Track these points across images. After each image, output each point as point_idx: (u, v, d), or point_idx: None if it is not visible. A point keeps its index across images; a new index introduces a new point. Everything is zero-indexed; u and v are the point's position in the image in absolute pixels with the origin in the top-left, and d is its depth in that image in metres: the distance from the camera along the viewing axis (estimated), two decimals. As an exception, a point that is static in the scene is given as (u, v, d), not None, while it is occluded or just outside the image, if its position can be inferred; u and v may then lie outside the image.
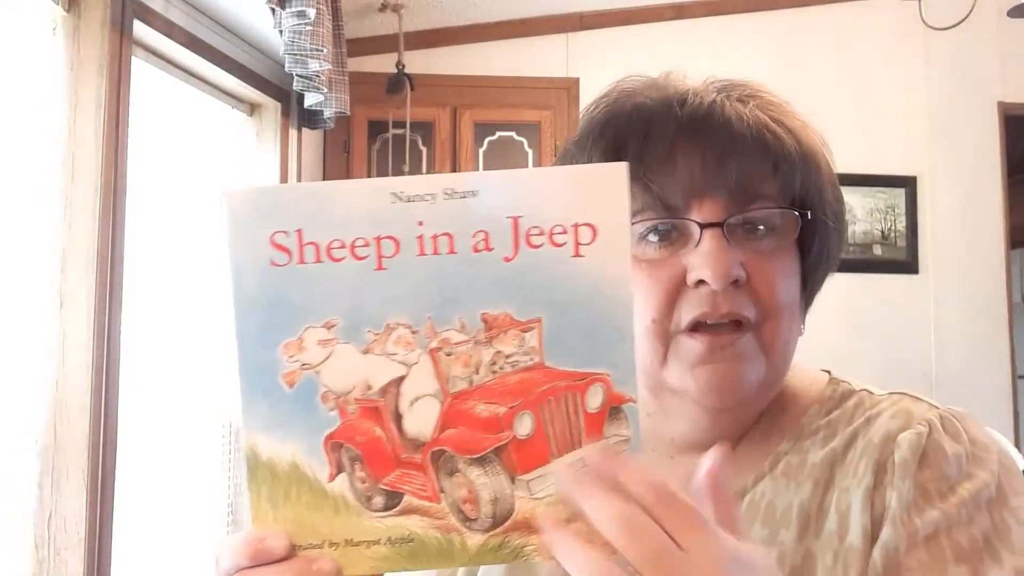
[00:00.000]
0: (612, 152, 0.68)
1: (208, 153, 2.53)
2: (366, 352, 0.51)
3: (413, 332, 0.51)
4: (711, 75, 0.72)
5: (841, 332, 3.22)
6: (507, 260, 0.51)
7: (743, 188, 0.66)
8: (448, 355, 0.51)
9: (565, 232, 0.51)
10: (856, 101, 3.38)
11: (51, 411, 1.79)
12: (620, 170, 0.51)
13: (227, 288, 0.51)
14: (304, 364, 0.51)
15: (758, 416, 0.73)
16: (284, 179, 2.75)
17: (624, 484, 0.48)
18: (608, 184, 0.51)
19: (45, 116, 1.83)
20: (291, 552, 0.52)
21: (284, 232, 0.50)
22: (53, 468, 1.78)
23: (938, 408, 0.68)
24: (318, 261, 0.51)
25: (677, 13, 3.42)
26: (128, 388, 1.97)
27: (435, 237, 0.51)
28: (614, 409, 0.52)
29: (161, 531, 2.24)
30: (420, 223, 0.50)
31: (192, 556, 2.38)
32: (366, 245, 0.51)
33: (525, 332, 0.51)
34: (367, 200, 0.51)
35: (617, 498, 0.47)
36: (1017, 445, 3.26)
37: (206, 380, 2.48)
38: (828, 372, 0.76)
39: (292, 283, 0.51)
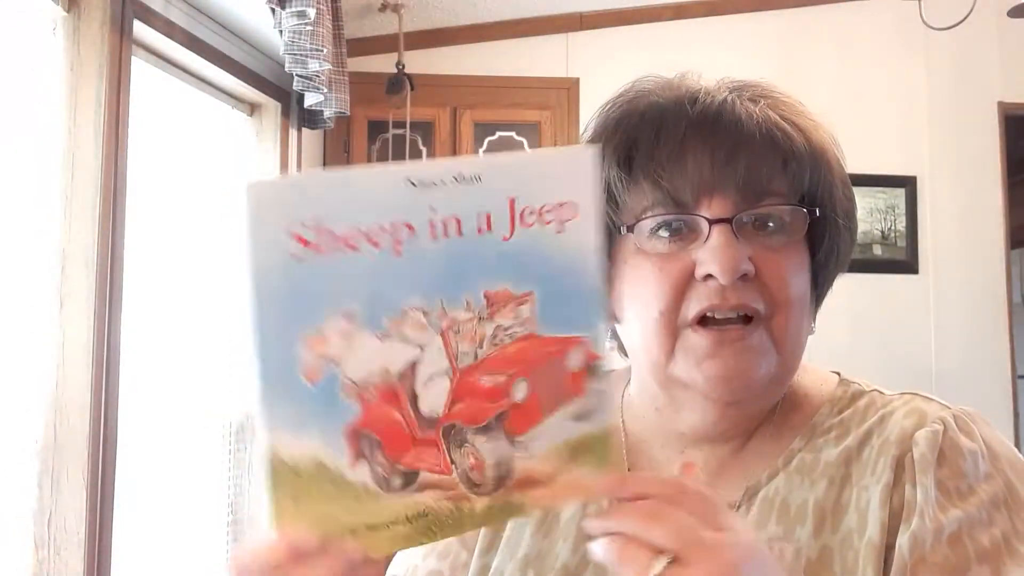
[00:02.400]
0: (624, 150, 0.69)
1: (208, 153, 2.53)
2: (384, 339, 0.52)
3: (426, 315, 0.53)
4: (726, 75, 0.73)
5: (841, 332, 3.22)
6: (505, 239, 0.54)
7: (752, 185, 0.67)
8: (456, 333, 0.54)
9: (551, 210, 0.54)
10: (856, 101, 3.38)
11: (51, 411, 1.79)
12: (589, 151, 0.55)
13: (246, 285, 0.51)
14: (326, 358, 0.52)
15: (769, 412, 0.73)
16: (284, 179, 2.75)
17: (641, 493, 0.52)
18: (582, 164, 0.55)
19: (45, 116, 1.83)
20: (322, 547, 0.52)
21: (302, 223, 0.51)
22: (53, 468, 1.78)
23: (950, 407, 0.69)
24: (336, 251, 0.51)
25: (677, 13, 3.42)
26: (128, 388, 1.97)
27: (445, 221, 0.53)
28: (591, 367, 0.56)
29: (161, 531, 2.24)
30: (432, 208, 0.52)
31: (192, 556, 2.38)
32: (382, 231, 0.52)
33: (520, 305, 0.55)
34: (384, 187, 0.52)
35: (641, 504, 0.51)
36: (1017, 445, 3.26)
37: (206, 380, 2.48)
38: (838, 373, 0.77)
39: (311, 276, 0.51)
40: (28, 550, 1.76)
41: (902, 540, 0.62)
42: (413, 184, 0.52)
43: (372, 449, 0.53)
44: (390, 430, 0.54)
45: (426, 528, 0.55)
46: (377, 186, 0.52)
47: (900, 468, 0.65)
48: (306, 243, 0.50)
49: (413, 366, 0.54)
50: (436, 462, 0.55)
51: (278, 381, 0.51)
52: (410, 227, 0.52)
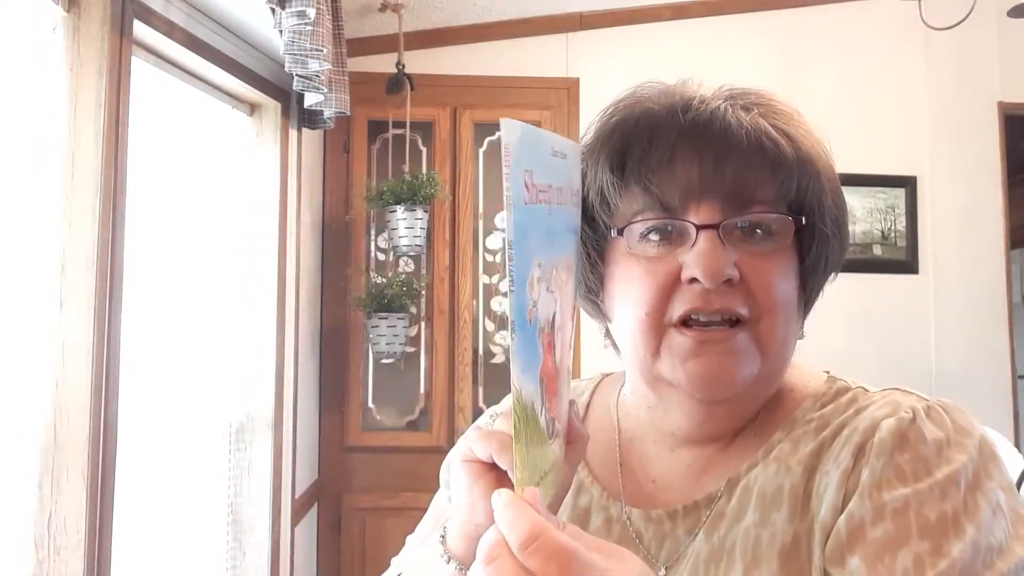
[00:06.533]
0: (617, 154, 0.72)
1: (208, 153, 2.53)
2: (548, 288, 0.56)
3: (555, 270, 0.57)
4: (726, 83, 0.74)
5: (841, 332, 3.22)
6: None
7: (739, 192, 0.68)
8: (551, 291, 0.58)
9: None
10: (856, 101, 3.38)
11: (51, 411, 1.79)
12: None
13: (507, 220, 0.53)
14: (534, 301, 0.54)
15: (755, 413, 0.75)
16: (284, 179, 2.75)
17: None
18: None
19: (45, 116, 1.83)
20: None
21: (528, 171, 0.53)
22: (53, 468, 1.78)
23: (927, 400, 0.70)
24: (536, 203, 0.54)
25: (677, 13, 3.42)
26: (128, 388, 1.97)
27: (560, 189, 0.59)
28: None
29: (161, 531, 2.24)
30: (569, 179, 0.60)
31: (192, 557, 2.38)
32: (549, 189, 0.56)
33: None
34: (559, 149, 0.59)
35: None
36: (1017, 445, 3.26)
37: (206, 380, 2.48)
38: (827, 372, 0.79)
39: (530, 222, 0.53)
40: (28, 550, 1.76)
41: (840, 523, 0.64)
42: (562, 156, 0.57)
43: (543, 397, 0.55)
44: (551, 379, 0.56)
45: (552, 481, 0.57)
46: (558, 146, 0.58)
47: (860, 453, 0.67)
48: (528, 189, 0.53)
49: (553, 318, 0.56)
50: (559, 412, 0.57)
51: (517, 318, 0.52)
52: (559, 189, 0.56)
